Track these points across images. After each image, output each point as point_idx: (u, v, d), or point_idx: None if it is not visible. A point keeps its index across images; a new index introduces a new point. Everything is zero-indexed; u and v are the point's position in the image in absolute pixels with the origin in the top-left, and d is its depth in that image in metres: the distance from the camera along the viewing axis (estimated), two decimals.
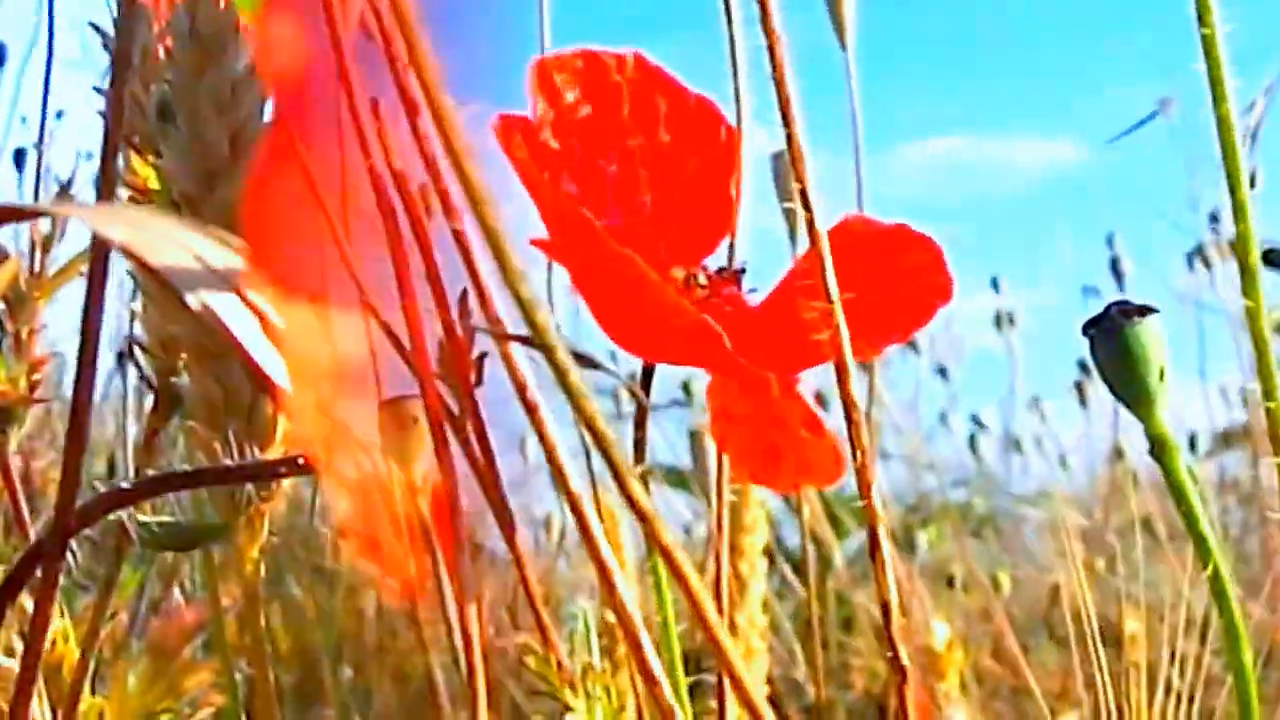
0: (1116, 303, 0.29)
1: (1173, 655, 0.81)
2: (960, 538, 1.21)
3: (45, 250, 0.38)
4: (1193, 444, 1.08)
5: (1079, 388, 1.21)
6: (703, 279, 0.37)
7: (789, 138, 0.29)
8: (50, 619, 0.31)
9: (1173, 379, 0.30)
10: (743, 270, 0.38)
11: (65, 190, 0.38)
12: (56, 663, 0.34)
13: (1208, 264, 1.22)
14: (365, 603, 0.94)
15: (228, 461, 0.34)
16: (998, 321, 1.37)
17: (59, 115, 0.76)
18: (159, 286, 0.36)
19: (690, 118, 0.38)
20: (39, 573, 0.31)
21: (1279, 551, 1.01)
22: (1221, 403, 1.34)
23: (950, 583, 1.19)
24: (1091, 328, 0.30)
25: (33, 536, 0.37)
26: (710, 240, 0.38)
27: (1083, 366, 1.34)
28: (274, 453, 0.35)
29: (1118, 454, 1.13)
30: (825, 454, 0.33)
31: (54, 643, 0.35)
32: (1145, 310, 0.29)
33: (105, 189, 0.30)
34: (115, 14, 0.37)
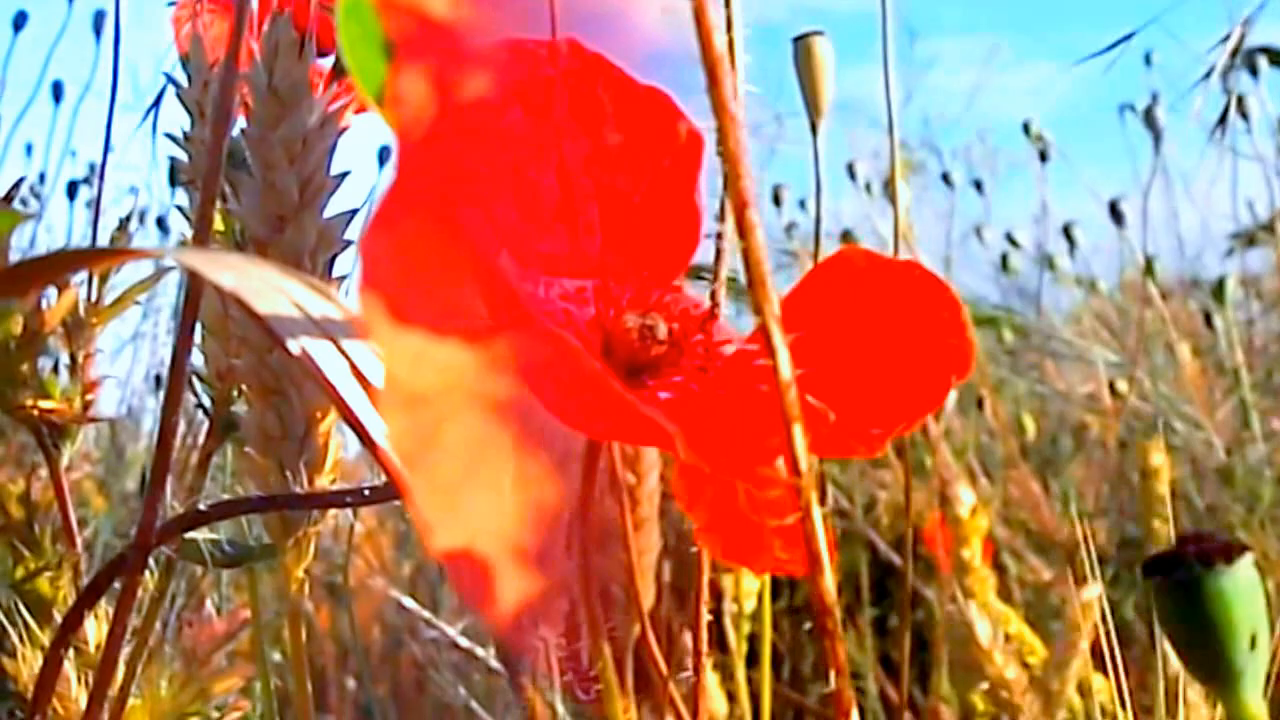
0: (1191, 537, 0.22)
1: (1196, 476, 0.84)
2: (988, 359, 1.22)
3: (104, 280, 0.40)
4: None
5: (1113, 208, 1.21)
6: (662, 330, 0.30)
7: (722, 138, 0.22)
8: (127, 630, 0.34)
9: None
10: (714, 313, 0.32)
11: (124, 229, 0.40)
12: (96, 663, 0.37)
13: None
14: (372, 618, 0.98)
15: (295, 489, 0.36)
16: (1026, 130, 1.36)
17: (109, 150, 0.78)
18: (220, 321, 0.38)
19: (641, 115, 0.31)
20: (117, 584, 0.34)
21: None
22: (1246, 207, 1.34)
23: (979, 404, 1.22)
24: (1157, 572, 0.22)
25: (79, 545, 0.41)
26: (675, 261, 0.32)
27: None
28: (325, 480, 0.37)
29: (1148, 270, 1.14)
30: (798, 549, 0.26)
31: (98, 645, 0.38)
32: (1230, 550, 0.22)
33: (200, 234, 0.32)
34: (186, 64, 0.40)
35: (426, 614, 0.73)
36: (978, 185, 1.56)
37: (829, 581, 0.23)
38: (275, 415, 0.37)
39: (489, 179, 0.28)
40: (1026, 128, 1.38)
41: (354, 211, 0.38)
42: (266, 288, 0.27)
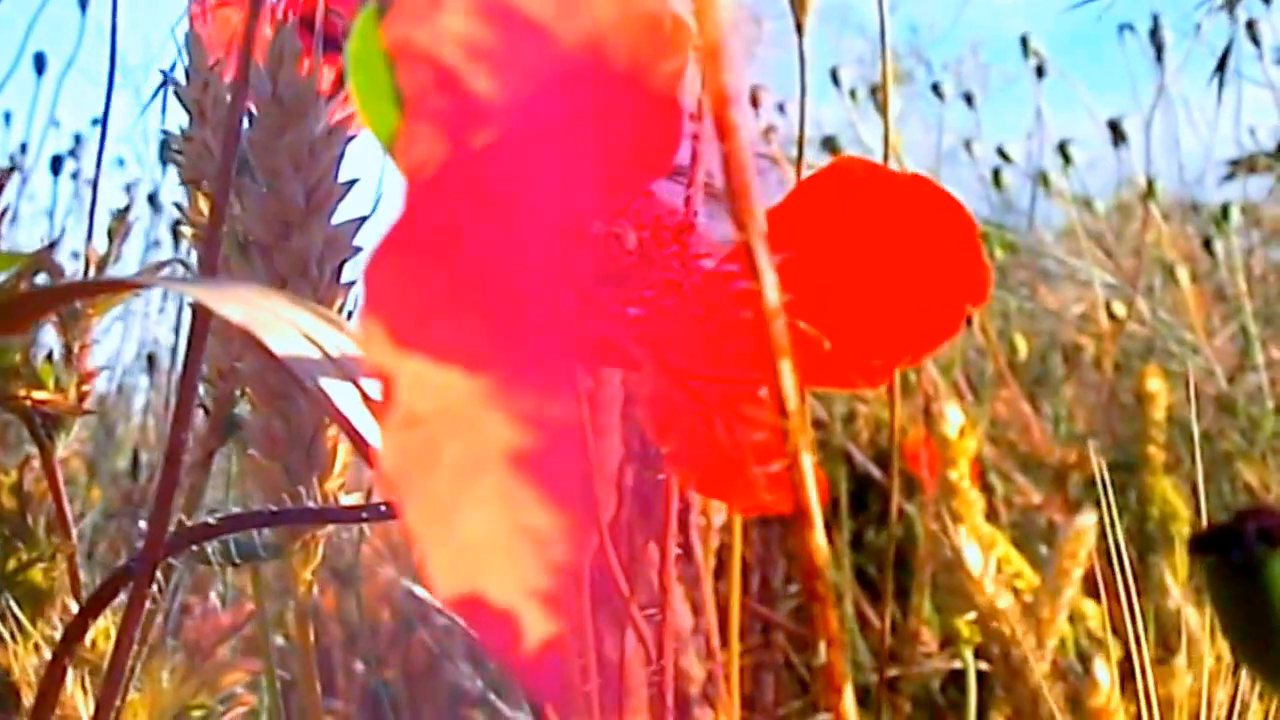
0: (1250, 512, 0.19)
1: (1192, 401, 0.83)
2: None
3: (100, 270, 0.40)
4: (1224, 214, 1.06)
5: (1113, 128, 1.18)
6: (631, 238, 0.27)
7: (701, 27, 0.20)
8: (134, 639, 0.33)
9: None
10: (691, 223, 0.28)
11: (122, 216, 0.41)
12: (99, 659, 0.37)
13: None
14: (380, 602, 0.97)
15: (309, 504, 0.36)
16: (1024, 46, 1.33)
17: (94, 123, 0.78)
18: (223, 322, 0.37)
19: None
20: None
21: None
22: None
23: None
24: (1210, 550, 0.19)
25: (74, 535, 0.40)
26: (654, 163, 0.28)
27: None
28: (333, 484, 0.37)
29: (1149, 192, 1.11)
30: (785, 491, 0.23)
31: (94, 641, 0.38)
32: None
33: (209, 263, 0.32)
34: (188, 63, 0.40)
35: (437, 602, 0.72)
36: (968, 99, 1.52)
37: (820, 538, 0.20)
38: (281, 420, 0.37)
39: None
40: (1025, 41, 1.35)
41: (362, 218, 0.38)
42: (275, 320, 0.28)
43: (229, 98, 0.32)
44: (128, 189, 1.29)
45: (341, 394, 0.28)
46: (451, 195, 0.23)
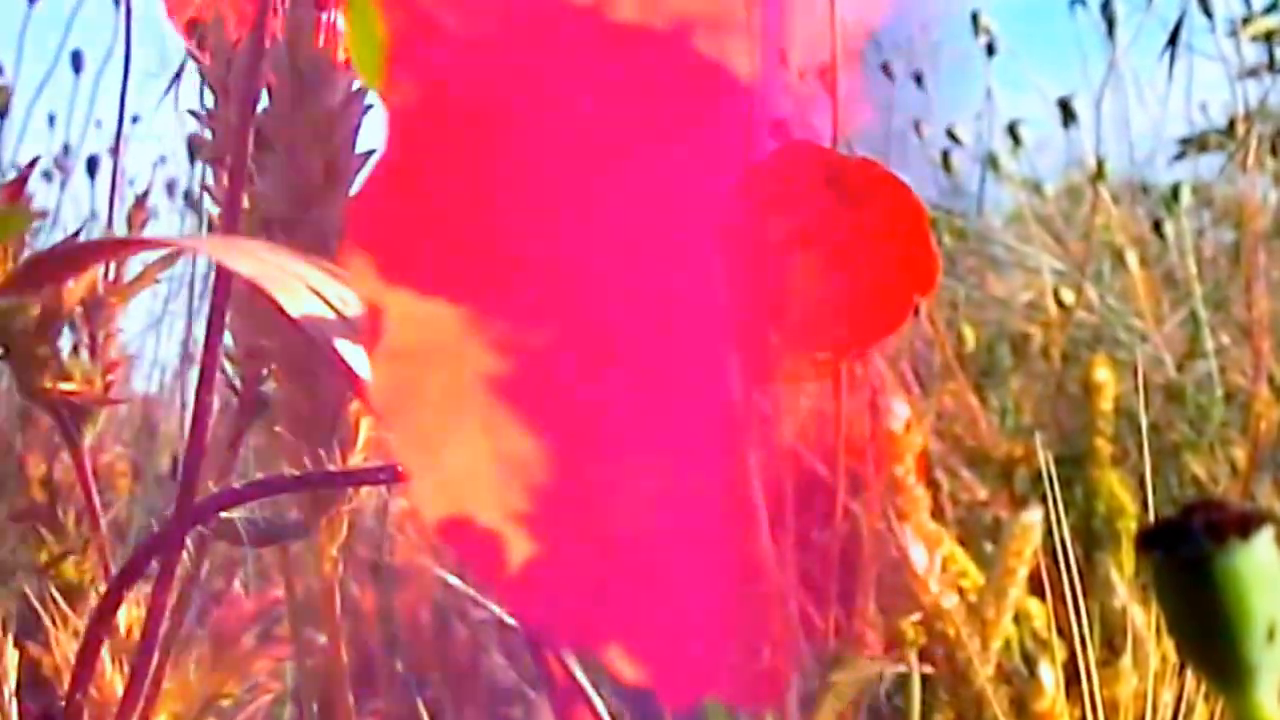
0: (1200, 505, 0.19)
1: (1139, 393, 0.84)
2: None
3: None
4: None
5: (1063, 107, 1.19)
6: None
7: None
8: (166, 608, 0.35)
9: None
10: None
11: (141, 204, 0.43)
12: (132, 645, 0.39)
13: None
14: (421, 599, 0.98)
15: (330, 467, 0.38)
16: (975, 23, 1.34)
17: (135, 120, 0.77)
18: (249, 301, 0.40)
19: None
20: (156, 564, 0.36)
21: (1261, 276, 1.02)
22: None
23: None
24: (1157, 545, 0.18)
25: (103, 526, 0.42)
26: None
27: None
28: (358, 459, 0.39)
29: (1099, 173, 1.13)
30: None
31: (129, 629, 0.39)
32: (1247, 521, 0.18)
33: (230, 218, 0.34)
34: (212, 42, 0.41)
35: (473, 592, 0.72)
36: (918, 79, 1.53)
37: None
38: (305, 394, 0.39)
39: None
40: (975, 18, 1.36)
41: None
42: (283, 274, 0.29)
43: (244, 70, 0.34)
44: (169, 187, 1.28)
45: (349, 348, 0.30)
46: (433, 133, 0.24)
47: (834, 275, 0.28)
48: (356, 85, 0.39)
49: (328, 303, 0.30)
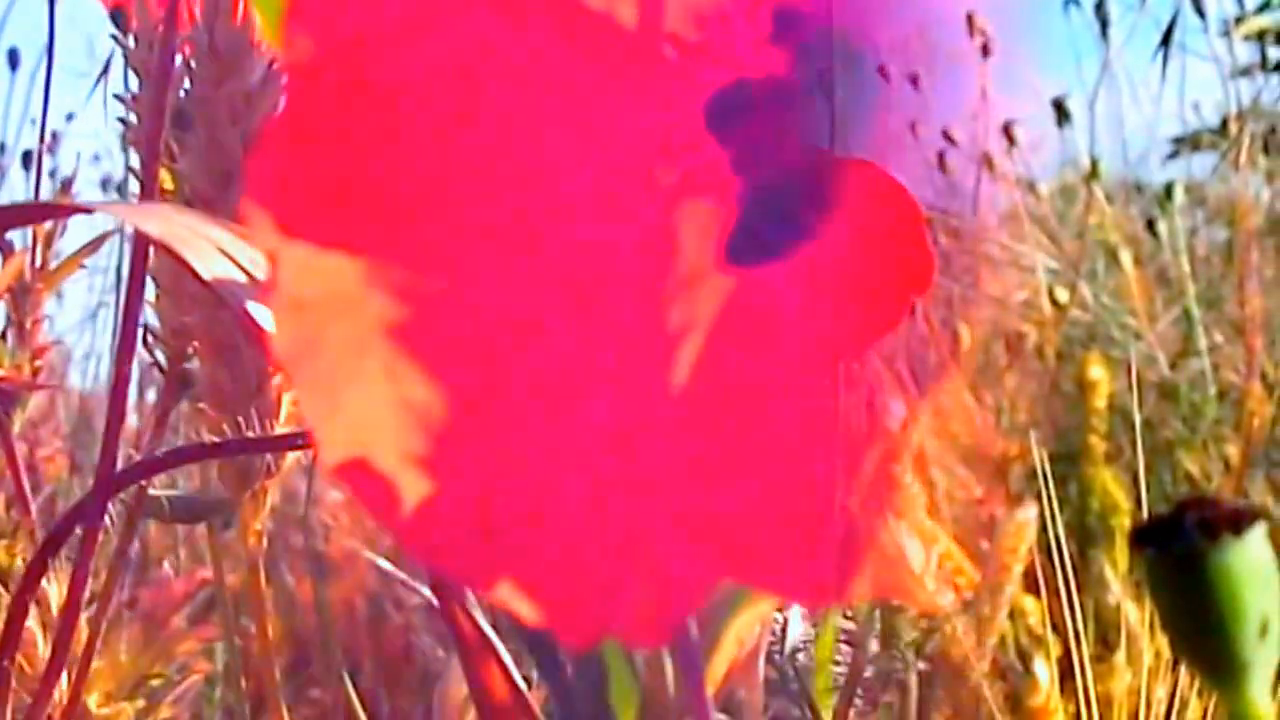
0: (1192, 502, 0.19)
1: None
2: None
3: (48, 244, 0.42)
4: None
5: (1058, 107, 1.19)
6: None
7: None
8: (88, 579, 0.36)
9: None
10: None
11: (66, 190, 0.44)
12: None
13: None
14: (355, 588, 0.98)
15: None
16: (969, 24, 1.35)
17: (69, 118, 0.78)
18: (174, 279, 0.40)
19: None
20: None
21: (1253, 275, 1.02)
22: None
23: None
24: (1149, 542, 0.19)
25: (33, 512, 0.43)
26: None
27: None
28: (280, 430, 0.40)
29: (1093, 173, 1.13)
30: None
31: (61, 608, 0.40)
32: (1239, 518, 0.18)
33: (147, 190, 0.35)
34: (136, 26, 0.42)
35: (404, 576, 0.73)
36: (913, 80, 1.54)
37: None
38: (227, 370, 0.39)
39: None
40: (970, 19, 1.36)
41: None
42: (192, 235, 0.30)
43: (160, 49, 0.35)
44: (103, 184, 1.29)
45: (264, 314, 0.30)
46: (328, 88, 0.25)
47: (825, 276, 0.28)
48: (275, 64, 0.40)
49: (239, 265, 0.31)
